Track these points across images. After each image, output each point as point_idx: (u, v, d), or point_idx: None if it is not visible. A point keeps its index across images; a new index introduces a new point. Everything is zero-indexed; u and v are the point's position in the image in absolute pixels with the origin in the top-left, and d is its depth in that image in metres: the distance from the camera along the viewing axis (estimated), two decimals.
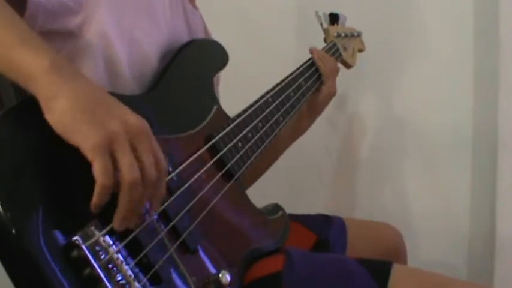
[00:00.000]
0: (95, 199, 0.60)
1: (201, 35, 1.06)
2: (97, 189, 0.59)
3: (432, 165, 1.56)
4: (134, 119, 0.63)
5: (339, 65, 1.28)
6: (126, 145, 0.60)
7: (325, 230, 1.09)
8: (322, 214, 1.14)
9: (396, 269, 0.83)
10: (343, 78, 1.32)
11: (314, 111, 1.18)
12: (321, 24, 1.29)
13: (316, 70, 1.16)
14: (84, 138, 0.59)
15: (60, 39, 0.77)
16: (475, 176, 1.51)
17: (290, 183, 1.66)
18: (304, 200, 1.65)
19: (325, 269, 0.85)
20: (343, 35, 1.31)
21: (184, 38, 0.97)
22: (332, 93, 1.19)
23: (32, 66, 0.61)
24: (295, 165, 1.57)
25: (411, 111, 1.57)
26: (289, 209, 1.00)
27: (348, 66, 1.33)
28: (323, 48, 1.23)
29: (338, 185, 1.69)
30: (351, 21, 1.42)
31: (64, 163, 0.63)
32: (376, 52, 1.55)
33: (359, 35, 1.41)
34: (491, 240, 1.42)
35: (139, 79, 0.85)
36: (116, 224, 0.62)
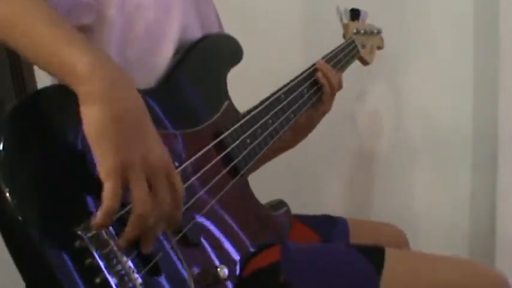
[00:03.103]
0: (98, 219, 0.60)
1: (212, 25, 1.03)
2: (102, 210, 0.60)
3: (432, 165, 1.56)
4: (156, 156, 0.63)
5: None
6: (141, 178, 0.61)
7: (329, 231, 1.08)
8: (326, 215, 1.14)
9: (390, 253, 0.84)
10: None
11: (311, 126, 1.13)
12: (341, 20, 1.27)
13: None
14: (102, 157, 0.60)
15: None
16: (475, 176, 1.52)
17: (292, 183, 1.66)
18: (304, 200, 1.65)
19: (323, 255, 0.86)
20: (362, 31, 1.28)
21: (195, 29, 0.95)
22: (326, 111, 1.13)
23: (77, 65, 0.61)
24: (296, 165, 1.57)
25: (411, 112, 1.57)
26: (293, 209, 1.00)
27: (365, 63, 1.31)
28: (341, 45, 1.19)
29: (338, 185, 1.69)
30: None
31: (72, 157, 0.64)
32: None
33: (379, 32, 1.38)
34: (491, 240, 1.43)
35: (151, 73, 0.85)
36: (121, 243, 0.62)
